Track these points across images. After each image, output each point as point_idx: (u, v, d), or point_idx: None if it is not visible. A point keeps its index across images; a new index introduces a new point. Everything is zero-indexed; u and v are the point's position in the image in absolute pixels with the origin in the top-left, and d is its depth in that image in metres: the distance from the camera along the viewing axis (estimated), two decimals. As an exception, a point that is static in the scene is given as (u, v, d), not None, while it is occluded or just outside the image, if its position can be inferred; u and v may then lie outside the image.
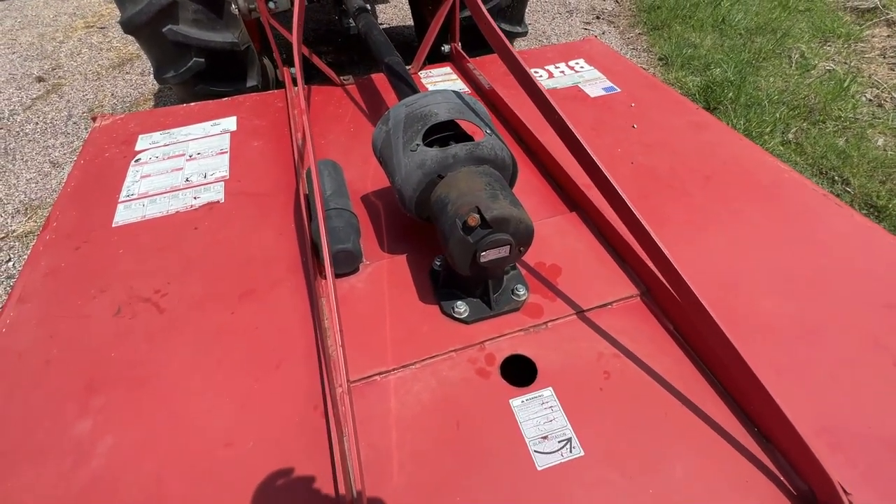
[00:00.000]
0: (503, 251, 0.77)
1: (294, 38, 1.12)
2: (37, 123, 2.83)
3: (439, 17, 1.77)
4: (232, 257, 1.06)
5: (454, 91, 0.99)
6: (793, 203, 1.14)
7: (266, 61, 2.31)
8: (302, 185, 1.17)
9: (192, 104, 1.66)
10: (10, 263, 1.92)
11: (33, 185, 2.32)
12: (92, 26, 4.55)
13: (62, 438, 0.76)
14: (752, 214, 1.11)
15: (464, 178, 0.81)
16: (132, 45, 3.99)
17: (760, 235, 1.06)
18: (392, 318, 0.89)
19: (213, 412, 0.78)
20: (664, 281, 0.83)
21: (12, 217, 2.14)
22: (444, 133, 0.94)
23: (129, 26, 1.72)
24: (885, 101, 2.73)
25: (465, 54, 1.82)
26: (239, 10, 1.67)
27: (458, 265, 0.78)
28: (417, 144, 0.86)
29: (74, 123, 2.83)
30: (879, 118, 2.55)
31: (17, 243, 2.01)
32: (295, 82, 1.69)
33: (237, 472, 0.70)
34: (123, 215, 1.20)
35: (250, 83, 2.09)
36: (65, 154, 2.54)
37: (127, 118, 1.60)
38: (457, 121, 0.95)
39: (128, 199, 1.25)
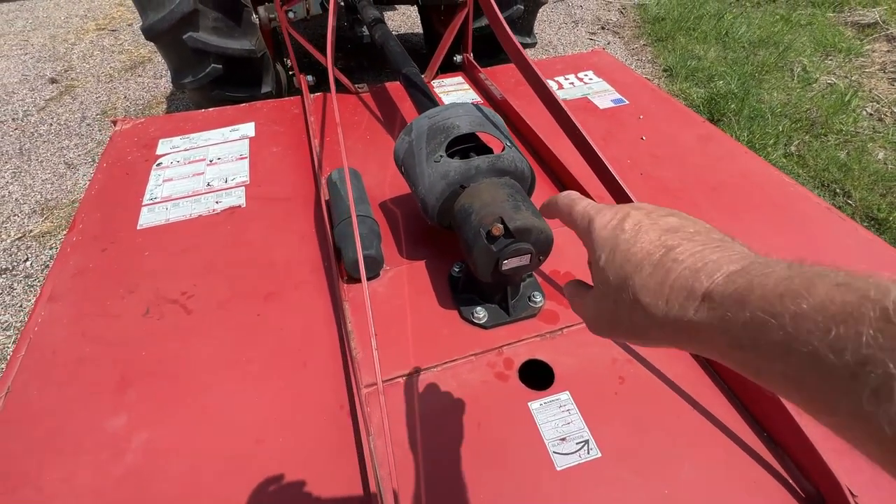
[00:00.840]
0: (524, 259, 0.80)
1: (328, 50, 1.16)
2: (51, 125, 2.87)
3: (453, 28, 1.81)
4: (255, 260, 1.09)
5: (474, 104, 1.02)
6: (797, 216, 1.17)
7: (279, 68, 2.36)
8: (323, 191, 1.20)
9: (211, 110, 1.69)
10: (28, 263, 1.95)
11: (49, 186, 2.36)
12: (103, 29, 4.60)
13: (98, 432, 0.79)
14: (758, 226, 1.14)
15: (486, 189, 0.84)
16: (143, 48, 4.04)
17: (766, 247, 1.08)
18: (413, 322, 0.92)
19: (243, 409, 0.81)
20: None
21: (29, 217, 2.17)
22: (466, 145, 0.98)
23: (150, 33, 1.76)
24: (885, 115, 2.78)
25: (476, 64, 1.86)
26: (259, 20, 1.71)
27: (481, 272, 0.81)
28: (441, 156, 0.90)
29: (88, 125, 2.87)
30: (880, 132, 2.60)
31: (34, 243, 2.04)
32: (311, 90, 1.74)
33: (268, 467, 0.73)
34: (147, 218, 1.23)
35: (265, 89, 2.13)
36: (79, 155, 2.58)
37: (147, 122, 1.64)
38: (477, 133, 0.98)
39: (151, 202, 1.28)
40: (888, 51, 3.57)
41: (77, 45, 4.21)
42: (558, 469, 0.72)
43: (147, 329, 0.95)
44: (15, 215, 2.17)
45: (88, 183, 1.36)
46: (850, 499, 0.62)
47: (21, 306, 1.76)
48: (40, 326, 0.96)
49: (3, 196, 2.27)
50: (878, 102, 2.91)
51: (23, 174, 2.42)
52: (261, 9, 1.67)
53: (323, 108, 1.68)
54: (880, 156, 2.43)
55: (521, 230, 0.77)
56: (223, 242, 1.15)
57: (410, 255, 1.08)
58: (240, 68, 1.97)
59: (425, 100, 1.26)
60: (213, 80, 1.94)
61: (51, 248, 2.00)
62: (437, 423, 0.77)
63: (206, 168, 1.41)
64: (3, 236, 2.04)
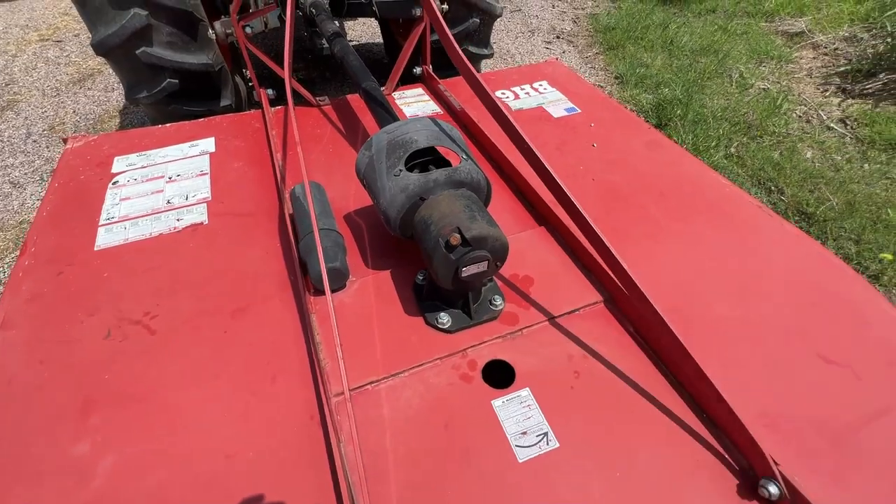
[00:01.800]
0: (482, 266, 0.85)
1: (286, 65, 1.17)
2: (-8, 141, 2.72)
3: (411, 41, 1.86)
4: (221, 277, 1.09)
5: (431, 118, 1.06)
6: (734, 215, 1.28)
7: (238, 81, 2.33)
8: (287, 206, 1.22)
9: (168, 125, 1.66)
10: (-27, 288, 1.85)
11: (-7, 207, 2.23)
12: (47, 39, 4.39)
13: (61, 460, 0.77)
14: (700, 227, 1.24)
15: (444, 200, 0.88)
16: (92, 60, 3.88)
17: (706, 245, 1.18)
18: (380, 331, 0.95)
19: (212, 425, 0.81)
20: (624, 289, 0.93)
21: (-28, 240, 2.05)
22: (424, 158, 1.02)
23: (101, 48, 1.71)
24: (812, 117, 3.02)
25: (435, 76, 1.91)
26: (216, 35, 1.70)
27: (442, 280, 0.85)
28: (400, 170, 0.93)
29: (34, 142, 2.74)
30: (808, 133, 2.82)
31: (-21, 267, 1.93)
32: (272, 103, 1.74)
33: (240, 482, 0.74)
34: (105, 239, 1.20)
35: (224, 103, 2.11)
36: (26, 174, 2.45)
37: (100, 139, 1.60)
38: (436, 147, 1.02)
39: (108, 222, 1.26)
40: (814, 57, 3.87)
41: (18, 56, 3.99)
42: (520, 461, 0.76)
43: (109, 352, 0.93)
44: (-44, 239, 2.04)
45: (39, 204, 1.32)
46: (773, 467, 0.70)
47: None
48: (-7, 355, 0.93)
49: (-58, 219, 2.14)
50: (805, 106, 3.16)
51: (-37, 195, 2.29)
52: (217, 24, 1.66)
53: (284, 122, 1.68)
54: (808, 155, 2.64)
55: (478, 239, 0.81)
56: (186, 260, 1.14)
57: (376, 266, 1.11)
58: (197, 82, 1.94)
59: (385, 114, 1.29)
60: (169, 95, 1.90)
61: (-2, 272, 1.90)
62: (405, 426, 0.81)
63: (166, 185, 1.39)
64: (-55, 262, 1.92)
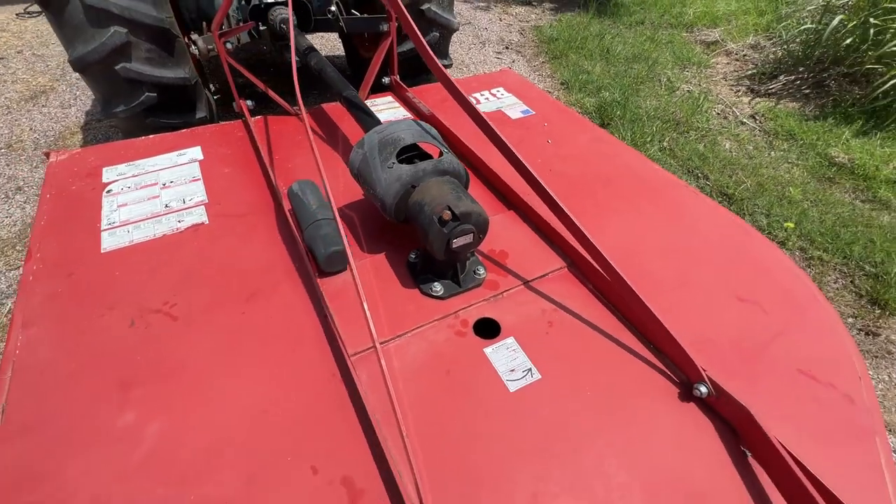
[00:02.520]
0: (469, 238, 1.00)
1: (294, 78, 1.27)
2: (-55, 162, 2.59)
3: (380, 52, 1.99)
4: (229, 269, 1.18)
5: (414, 120, 1.21)
6: (666, 195, 1.50)
7: (208, 94, 2.38)
8: (284, 202, 1.32)
9: (151, 137, 1.71)
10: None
11: (-42, 226, 2.14)
12: (-13, 56, 4.15)
13: (110, 431, 0.85)
14: (641, 205, 1.45)
15: (434, 186, 1.03)
16: (42, 77, 3.73)
17: (646, 219, 1.40)
18: (383, 302, 1.08)
19: (244, 390, 0.91)
20: (584, 254, 1.11)
21: (-59, 260, 1.97)
22: (410, 153, 1.16)
23: (79, 64, 1.73)
24: (728, 114, 3.42)
25: (403, 84, 2.06)
26: (199, 51, 1.76)
27: (436, 252, 1.00)
28: (393, 163, 1.07)
29: (-8, 160, 2.63)
30: (726, 128, 3.20)
31: (-46, 285, 1.86)
32: (253, 113, 1.82)
33: (278, 431, 0.85)
34: (110, 242, 1.26)
35: (199, 115, 2.16)
36: (-11, 192, 2.37)
37: (84, 152, 1.62)
38: (419, 143, 1.17)
39: (110, 226, 1.31)
40: (727, 63, 4.35)
41: (-42, 75, 3.76)
42: (511, 391, 0.92)
43: (137, 338, 1.01)
44: (-78, 260, 1.96)
45: (35, 214, 1.35)
46: (703, 373, 0.89)
47: (-47, 351, 1.62)
48: (21, 351, 0.98)
49: None
50: (723, 104, 3.56)
51: (-78, 216, 2.18)
52: (199, 40, 1.72)
53: (266, 130, 1.77)
54: (727, 146, 3.00)
55: (465, 214, 0.97)
56: (194, 256, 1.22)
57: (371, 250, 1.24)
58: (174, 96, 1.98)
59: (367, 118, 1.43)
60: (147, 109, 1.93)
61: (-25, 290, 1.84)
62: (414, 375, 0.94)
63: (161, 191, 1.45)
64: (-87, 283, 1.83)
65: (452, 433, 0.86)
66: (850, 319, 1.85)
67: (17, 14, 5.07)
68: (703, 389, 0.90)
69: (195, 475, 0.80)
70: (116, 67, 1.74)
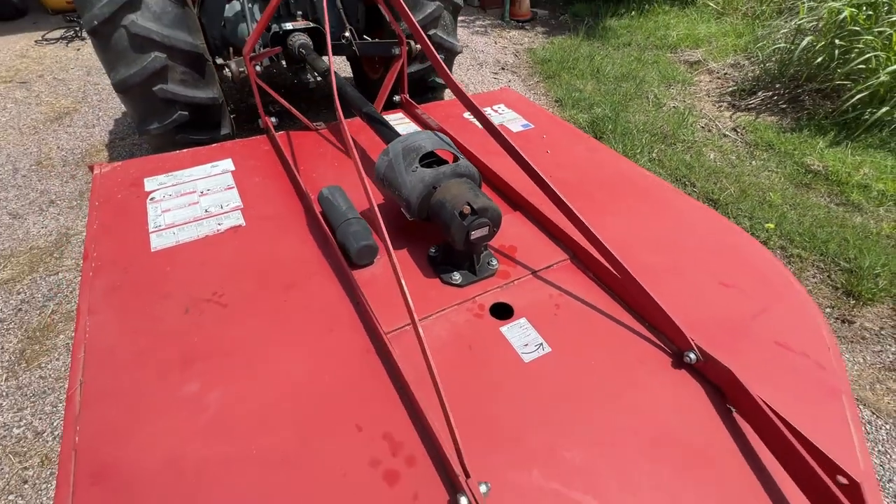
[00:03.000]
0: (485, 230, 1.13)
1: (335, 97, 1.41)
2: (-21, 179, 2.70)
3: (392, 74, 2.15)
4: (268, 263, 1.30)
5: (432, 131, 1.35)
6: (658, 197, 1.64)
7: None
8: (315, 206, 1.45)
9: (185, 150, 1.85)
10: (-3, 307, 1.88)
11: (-3, 237, 2.25)
12: (10, 81, 4.32)
13: (175, 398, 0.95)
14: (634, 206, 1.59)
15: (453, 186, 1.17)
16: (64, 99, 3.89)
17: (638, 217, 1.53)
18: (409, 289, 1.20)
19: (291, 364, 1.02)
20: (586, 246, 1.24)
21: (-16, 267, 2.07)
22: (429, 160, 1.30)
23: (121, 86, 1.87)
24: (712, 128, 3.61)
25: (413, 102, 2.22)
26: (231, 73, 1.91)
27: (457, 242, 1.13)
28: (417, 167, 1.21)
29: (24, 176, 2.75)
30: (710, 140, 3.39)
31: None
32: (276, 128, 1.96)
33: (321, 397, 0.96)
34: (158, 242, 1.38)
35: (224, 131, 2.30)
36: (23, 206, 2.48)
37: (125, 165, 1.75)
38: (437, 151, 1.31)
39: (157, 229, 1.43)
40: (710, 80, 4.58)
41: (-16, 98, 3.91)
42: (526, 362, 1.04)
43: (192, 322, 1.12)
44: (-34, 268, 2.06)
45: (87, 219, 1.47)
46: (691, 342, 1.01)
47: (2, 348, 1.71)
48: (90, 334, 1.09)
49: (-54, 251, 2.14)
50: (707, 118, 3.76)
51: (-38, 228, 2.29)
52: (233, 63, 1.87)
53: (290, 144, 1.91)
54: (711, 156, 3.18)
55: (482, 209, 1.10)
56: (236, 253, 1.34)
57: (394, 247, 1.36)
58: (203, 114, 2.13)
59: (387, 130, 1.57)
60: (178, 126, 2.07)
61: (19, 294, 1.94)
62: (441, 350, 1.06)
63: (200, 198, 1.57)
64: (-40, 288, 1.93)
65: (478, 397, 0.97)
66: (828, 309, 1.98)
67: (35, 41, 5.26)
68: (692, 356, 1.02)
69: (254, 434, 0.90)
70: (154, 89, 1.89)
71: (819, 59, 3.53)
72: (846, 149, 3.07)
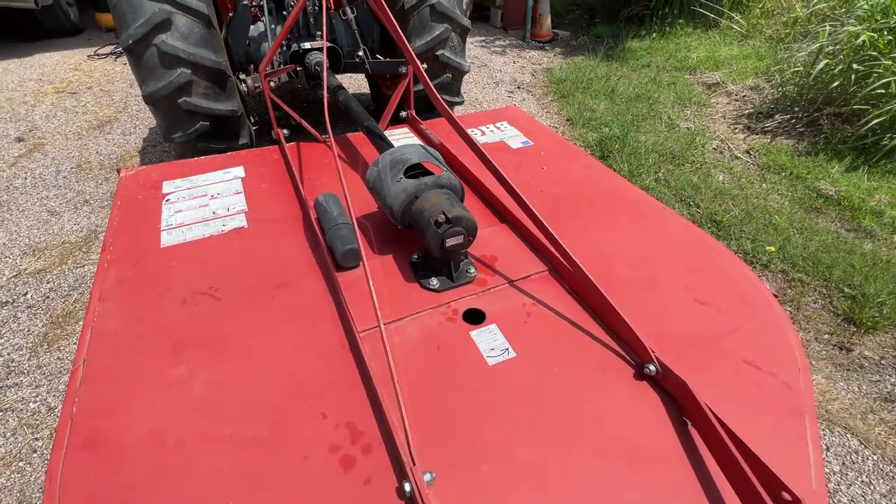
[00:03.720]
0: (459, 238, 1.19)
1: (326, 120, 1.53)
2: (25, 178, 2.95)
3: (398, 92, 2.27)
4: (263, 263, 1.40)
5: (420, 144, 1.44)
6: (644, 213, 1.67)
7: (249, 124, 2.70)
8: (311, 213, 1.54)
9: (203, 158, 1.99)
10: (28, 295, 2.05)
11: (35, 231, 2.46)
12: (62, 91, 4.69)
13: (166, 379, 1.05)
14: (619, 221, 1.62)
15: (433, 196, 1.24)
16: (107, 109, 4.20)
17: (622, 231, 1.56)
18: (388, 292, 1.27)
19: (272, 356, 1.10)
20: (562, 260, 1.29)
21: (21, 258, 2.26)
22: (416, 171, 1.38)
23: (150, 98, 2.05)
24: (724, 150, 3.58)
25: (418, 118, 2.32)
26: (247, 88, 2.07)
27: (433, 249, 1.19)
28: (401, 177, 1.29)
29: (64, 178, 2.99)
30: (720, 161, 3.36)
31: (31, 279, 2.14)
32: (289, 139, 2.10)
33: (297, 387, 1.03)
34: (167, 240, 1.50)
35: (242, 141, 2.46)
36: (61, 204, 2.70)
37: (149, 169, 1.91)
38: (423, 162, 1.39)
39: (168, 228, 1.55)
40: (727, 102, 4.54)
41: (37, 106, 4.27)
42: (490, 365, 1.08)
43: (187, 312, 1.22)
44: (6, 257, 2.25)
45: (109, 217, 1.61)
46: (651, 354, 1.04)
47: (28, 331, 1.87)
48: (98, 318, 1.20)
49: (-10, 242, 2.35)
50: (719, 140, 3.73)
51: (6, 222, 2.50)
52: (248, 79, 2.02)
53: (298, 154, 2.04)
54: (720, 178, 3.15)
55: (457, 218, 1.16)
56: (235, 253, 1.44)
57: (381, 252, 1.44)
58: (223, 125, 2.29)
59: (384, 143, 1.67)
60: (200, 135, 2.24)
61: (48, 283, 2.11)
62: (411, 349, 1.12)
63: (210, 201, 1.70)
64: (-2, 276, 2.13)
65: (438, 393, 1.03)
66: (827, 336, 1.93)
67: (88, 56, 5.70)
68: (652, 368, 1.04)
69: (231, 417, 0.98)
70: (179, 101, 2.06)
71: (836, 83, 3.47)
72: (862, 174, 3.00)
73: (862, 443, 1.53)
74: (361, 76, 4.65)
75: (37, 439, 1.57)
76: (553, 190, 1.81)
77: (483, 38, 6.33)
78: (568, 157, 2.07)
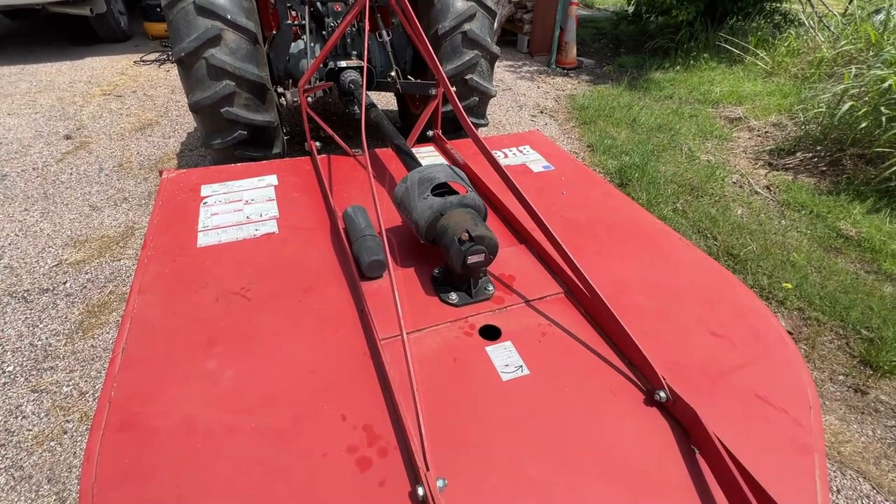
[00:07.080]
0: (481, 257, 1.24)
1: (363, 125, 1.61)
2: (71, 174, 3.12)
3: (427, 111, 2.36)
4: (292, 268, 1.47)
5: (448, 164, 1.50)
6: (661, 243, 1.69)
7: (283, 134, 2.82)
8: (339, 223, 1.62)
9: (239, 164, 2.10)
10: (67, 284, 2.16)
11: (77, 224, 2.59)
12: (109, 94, 4.96)
13: (198, 371, 1.11)
14: (633, 247, 1.66)
15: (458, 214, 1.30)
16: (150, 112, 4.42)
17: (637, 259, 1.59)
18: (409, 303, 1.32)
19: (300, 355, 1.16)
20: (578, 283, 1.33)
21: (62, 249, 2.39)
22: (442, 189, 1.44)
23: (196, 106, 2.18)
24: (744, 184, 3.58)
25: (444, 138, 2.40)
26: (286, 102, 2.18)
27: (455, 266, 1.24)
28: (428, 195, 1.35)
29: (106, 175, 3.15)
30: (739, 195, 3.36)
31: (70, 269, 2.25)
32: (320, 152, 2.19)
33: (320, 387, 1.08)
34: (204, 240, 1.58)
35: (276, 150, 2.57)
36: (102, 200, 2.84)
37: (189, 172, 2.02)
38: (450, 182, 1.45)
39: (205, 229, 1.64)
40: (749, 137, 4.55)
41: (85, 107, 4.52)
42: (503, 381, 1.12)
43: (220, 310, 1.29)
44: (49, 247, 2.38)
45: (150, 214, 1.70)
46: (662, 381, 1.06)
47: (66, 318, 1.97)
48: (137, 309, 1.28)
49: (35, 232, 2.49)
50: (739, 174, 3.73)
51: (51, 214, 2.65)
52: (288, 94, 2.14)
53: (329, 166, 2.13)
54: (739, 212, 3.15)
55: (479, 237, 1.22)
56: (266, 256, 1.52)
57: (404, 265, 1.50)
58: (259, 134, 2.40)
59: (412, 161, 1.74)
60: (237, 143, 2.36)
61: (86, 273, 2.22)
62: (428, 360, 1.16)
63: (244, 206, 1.79)
64: (41, 264, 2.25)
65: (453, 404, 1.06)
66: (842, 377, 1.90)
67: (134, 61, 6.01)
68: (662, 395, 1.06)
69: (256, 410, 1.03)
70: (221, 110, 2.18)
71: (863, 125, 3.46)
72: (885, 216, 2.96)
73: (874, 488, 1.50)
74: (389, 94, 4.80)
75: (68, 421, 1.65)
76: (572, 215, 1.86)
77: (509, 62, 6.49)
78: (588, 183, 2.12)
